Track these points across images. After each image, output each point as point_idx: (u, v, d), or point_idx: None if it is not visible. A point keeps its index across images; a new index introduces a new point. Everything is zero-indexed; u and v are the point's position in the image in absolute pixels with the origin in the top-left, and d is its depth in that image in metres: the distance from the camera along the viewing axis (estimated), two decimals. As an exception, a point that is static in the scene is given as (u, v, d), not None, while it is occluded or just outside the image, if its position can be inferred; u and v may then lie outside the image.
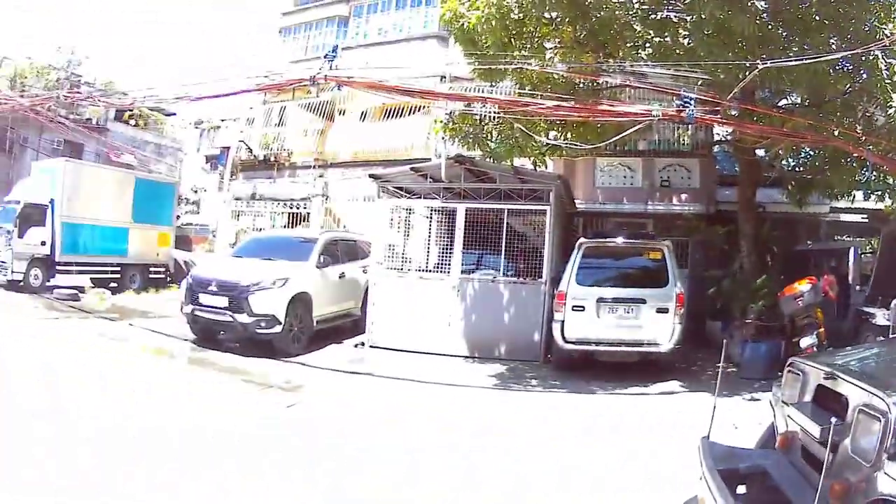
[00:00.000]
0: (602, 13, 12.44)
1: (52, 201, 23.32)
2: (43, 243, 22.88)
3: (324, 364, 14.18)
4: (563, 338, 13.46)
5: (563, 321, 13.47)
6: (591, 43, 13.45)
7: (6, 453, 6.87)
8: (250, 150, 29.14)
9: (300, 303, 15.14)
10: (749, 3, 10.76)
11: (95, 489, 6.19)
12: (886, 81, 11.65)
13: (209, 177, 46.30)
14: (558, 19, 13.39)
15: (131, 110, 36.82)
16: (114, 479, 6.47)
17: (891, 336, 10.58)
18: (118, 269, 25.36)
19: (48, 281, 23.07)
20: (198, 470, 6.95)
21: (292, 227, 25.07)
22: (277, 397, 11.14)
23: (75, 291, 22.32)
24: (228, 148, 33.23)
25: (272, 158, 27.79)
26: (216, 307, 14.69)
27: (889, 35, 11.58)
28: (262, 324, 14.37)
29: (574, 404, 11.40)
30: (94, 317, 18.73)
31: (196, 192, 45.79)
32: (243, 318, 14.33)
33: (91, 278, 24.32)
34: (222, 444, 7.99)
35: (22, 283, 22.11)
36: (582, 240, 14.39)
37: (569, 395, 12.04)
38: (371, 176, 17.61)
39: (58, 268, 23.34)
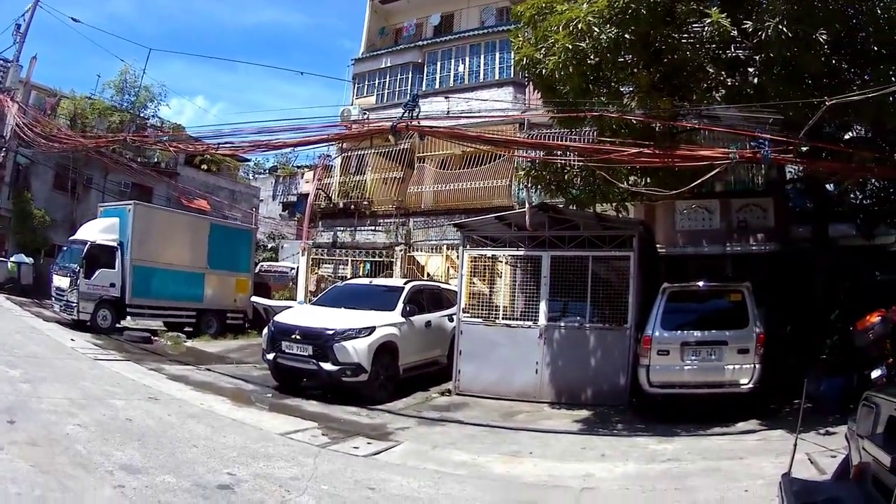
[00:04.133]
0: (675, 56, 12.52)
1: (121, 244, 23.92)
2: (112, 285, 23.38)
3: (411, 412, 14.56)
4: (649, 382, 13.74)
5: (648, 366, 13.73)
6: (666, 87, 13.38)
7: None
8: (329, 199, 29.56)
9: (386, 351, 15.54)
10: (813, 37, 10.78)
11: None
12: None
13: (286, 224, 46.80)
14: (633, 63, 13.36)
15: (204, 156, 37.15)
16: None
17: None
18: (193, 313, 25.74)
19: (118, 322, 23.42)
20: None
21: (375, 275, 25.28)
22: (364, 444, 11.33)
23: (147, 334, 22.82)
24: (306, 195, 33.63)
25: (352, 207, 27.97)
26: (300, 355, 15.14)
27: None
28: (348, 372, 14.71)
29: (659, 448, 11.58)
30: (167, 360, 19.11)
31: (274, 238, 46.08)
32: (328, 366, 14.71)
33: (164, 322, 24.53)
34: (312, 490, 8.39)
35: (89, 324, 22.55)
36: (665, 284, 14.54)
37: (653, 439, 12.23)
38: (456, 225, 18.21)
39: (128, 310, 23.65)
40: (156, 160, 40.08)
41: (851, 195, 18.11)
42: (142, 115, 40.15)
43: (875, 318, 12.25)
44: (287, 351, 15.31)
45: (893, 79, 11.69)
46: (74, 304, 22.59)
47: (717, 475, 9.65)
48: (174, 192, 39.86)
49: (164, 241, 25.28)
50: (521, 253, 17.24)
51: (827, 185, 16.63)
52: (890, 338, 12.42)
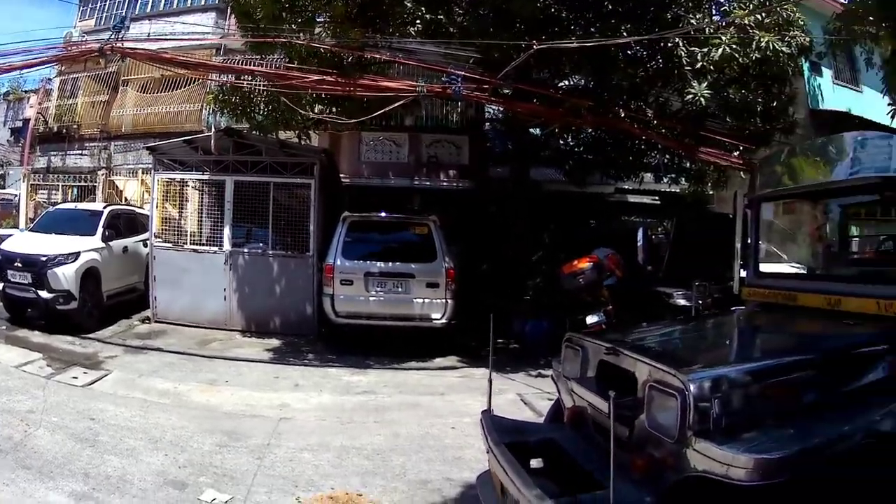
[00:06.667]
0: (372, -11, 12.16)
1: None
2: None
3: (117, 340, 14.34)
4: (334, 312, 13.81)
5: (332, 295, 13.76)
6: (361, 19, 13.27)
7: None
8: (46, 123, 28.56)
9: (91, 277, 15.11)
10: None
11: None
12: (686, 69, 12.24)
13: (13, 150, 45.11)
14: (329, -7, 13.01)
15: (-81, 78, 34.92)
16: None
17: (693, 315, 11.14)
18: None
19: None
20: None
21: (81, 200, 24.47)
22: (82, 374, 11.25)
23: None
24: (29, 120, 32.61)
25: (64, 131, 27.32)
26: (22, 284, 14.58)
27: (694, 24, 12.30)
28: (61, 299, 14.34)
29: (354, 380, 11.83)
30: None
31: (2, 165, 44.40)
32: (45, 293, 14.26)
33: None
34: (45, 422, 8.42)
35: None
36: (346, 213, 14.42)
37: (346, 370, 12.40)
38: (148, 148, 17.56)
39: None
40: None
41: (561, 141, 18.22)
42: None
43: (585, 264, 12.28)
44: (12, 280, 14.65)
45: (625, 34, 12.01)
46: None
47: (419, 410, 9.99)
48: None
49: None
50: (206, 177, 16.64)
51: (532, 129, 16.85)
52: (609, 285, 12.68)
